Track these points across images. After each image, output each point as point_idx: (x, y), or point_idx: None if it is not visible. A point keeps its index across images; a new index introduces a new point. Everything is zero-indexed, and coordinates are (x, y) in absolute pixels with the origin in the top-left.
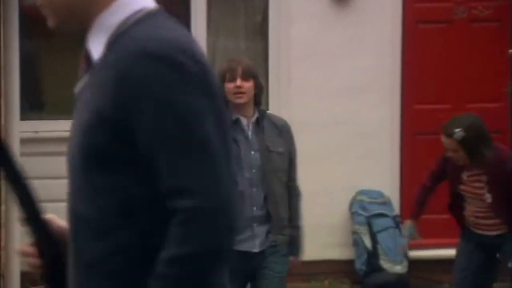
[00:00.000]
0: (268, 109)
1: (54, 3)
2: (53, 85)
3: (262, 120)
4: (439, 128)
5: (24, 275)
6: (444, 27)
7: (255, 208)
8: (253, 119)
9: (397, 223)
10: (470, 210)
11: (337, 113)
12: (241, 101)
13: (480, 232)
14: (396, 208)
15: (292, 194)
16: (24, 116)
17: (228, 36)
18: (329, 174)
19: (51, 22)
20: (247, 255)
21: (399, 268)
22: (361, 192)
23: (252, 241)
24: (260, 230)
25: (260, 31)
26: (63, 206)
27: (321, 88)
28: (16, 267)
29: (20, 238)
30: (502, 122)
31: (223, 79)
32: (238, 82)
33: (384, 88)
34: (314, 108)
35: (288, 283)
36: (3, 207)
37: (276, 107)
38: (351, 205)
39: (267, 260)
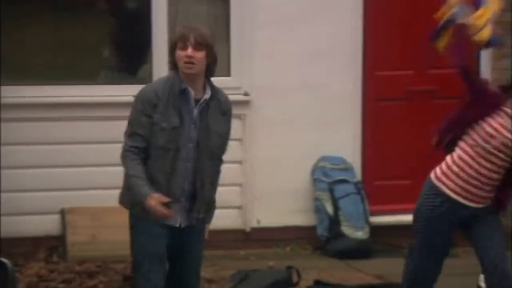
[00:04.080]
0: (230, 75)
1: None
2: (35, 50)
3: (213, 100)
4: (401, 94)
5: None
6: None
7: (186, 182)
8: (205, 96)
9: (359, 189)
10: None
11: (300, 79)
12: (191, 71)
13: None
14: (358, 174)
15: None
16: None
17: (190, 1)
18: (291, 140)
19: None
20: (172, 229)
21: (361, 234)
22: (323, 158)
23: (176, 216)
24: (187, 206)
25: None
26: (46, 172)
27: (283, 54)
28: None
29: None
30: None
31: (175, 47)
32: (189, 51)
33: (346, 54)
34: (276, 74)
35: (249, 249)
36: None
37: (238, 73)
38: (313, 171)
39: (187, 238)
